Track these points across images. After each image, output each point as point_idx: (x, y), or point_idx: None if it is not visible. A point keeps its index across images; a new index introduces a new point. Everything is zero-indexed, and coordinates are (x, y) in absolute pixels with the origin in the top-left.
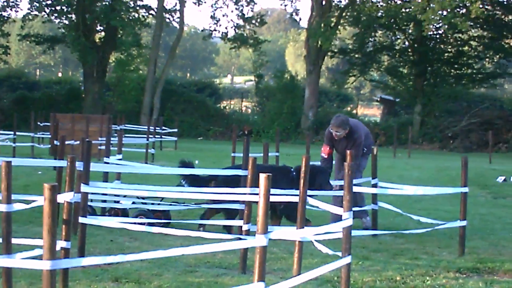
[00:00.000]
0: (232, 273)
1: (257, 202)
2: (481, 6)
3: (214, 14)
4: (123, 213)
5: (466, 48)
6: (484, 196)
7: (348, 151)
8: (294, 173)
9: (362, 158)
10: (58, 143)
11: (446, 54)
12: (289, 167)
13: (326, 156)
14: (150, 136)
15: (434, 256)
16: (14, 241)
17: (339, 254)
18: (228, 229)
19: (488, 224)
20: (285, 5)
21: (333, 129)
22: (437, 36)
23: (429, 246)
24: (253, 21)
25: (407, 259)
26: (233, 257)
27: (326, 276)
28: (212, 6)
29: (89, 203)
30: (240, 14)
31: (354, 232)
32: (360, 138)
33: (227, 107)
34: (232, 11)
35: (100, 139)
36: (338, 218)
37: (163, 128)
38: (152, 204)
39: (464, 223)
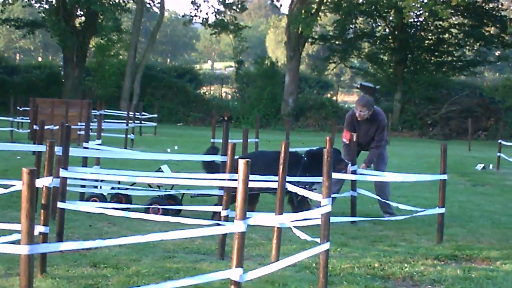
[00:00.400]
0: (210, 258)
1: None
2: None
3: None
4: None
5: (446, 35)
6: (463, 184)
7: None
8: (306, 159)
9: (383, 150)
10: (38, 128)
11: (426, 42)
12: (300, 153)
13: (347, 142)
14: (129, 121)
15: (413, 243)
16: None
17: (318, 240)
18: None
19: (466, 211)
20: None
21: (358, 108)
22: (418, 23)
23: (408, 233)
24: (234, 7)
25: (386, 246)
26: (212, 243)
27: (305, 262)
28: None
29: (98, 192)
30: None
31: (333, 219)
32: (384, 121)
33: (207, 93)
34: None
35: (79, 124)
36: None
37: (143, 113)
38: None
39: (442, 210)
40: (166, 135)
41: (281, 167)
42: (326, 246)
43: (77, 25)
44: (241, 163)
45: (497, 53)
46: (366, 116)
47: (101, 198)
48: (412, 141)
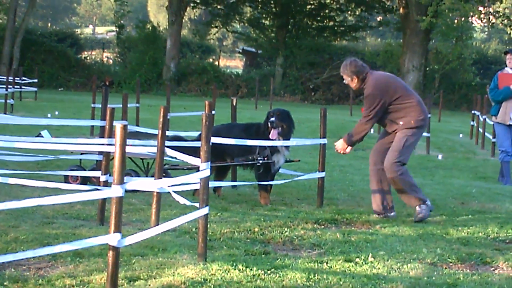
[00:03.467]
0: (90, 224)
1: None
2: None
3: None
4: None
5: (328, 0)
6: None
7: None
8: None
9: (405, 133)
10: None
11: (308, 7)
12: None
13: None
14: (9, 86)
15: (293, 208)
16: None
17: (197, 205)
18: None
19: (347, 175)
20: None
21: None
22: None
23: (288, 198)
24: None
25: (266, 211)
26: (92, 208)
27: (185, 228)
28: None
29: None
30: None
31: (212, 183)
32: (368, 90)
33: (88, 58)
34: None
35: None
36: None
37: (23, 78)
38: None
39: (323, 174)
40: (47, 100)
41: (160, 132)
42: (205, 210)
43: None
44: (118, 127)
45: (378, 19)
46: (354, 86)
47: None
48: (294, 106)
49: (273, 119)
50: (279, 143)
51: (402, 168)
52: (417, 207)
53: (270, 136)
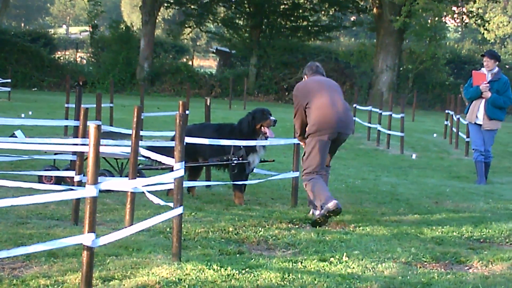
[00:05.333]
0: (64, 224)
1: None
2: None
3: None
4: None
5: (302, 0)
6: None
7: None
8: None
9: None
10: None
11: (282, 6)
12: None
13: None
14: None
15: (267, 207)
16: None
17: (171, 205)
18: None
19: None
20: None
21: None
22: None
23: (262, 197)
24: None
25: (240, 210)
26: (66, 208)
27: (159, 227)
28: None
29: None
30: None
31: (186, 183)
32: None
33: (61, 58)
34: None
35: None
36: None
37: None
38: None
39: (297, 174)
40: (20, 100)
41: (133, 132)
42: (179, 210)
43: None
44: (92, 127)
45: (352, 18)
46: None
47: None
48: (268, 106)
49: (274, 118)
50: (254, 142)
51: (307, 178)
52: (316, 210)
53: (269, 135)
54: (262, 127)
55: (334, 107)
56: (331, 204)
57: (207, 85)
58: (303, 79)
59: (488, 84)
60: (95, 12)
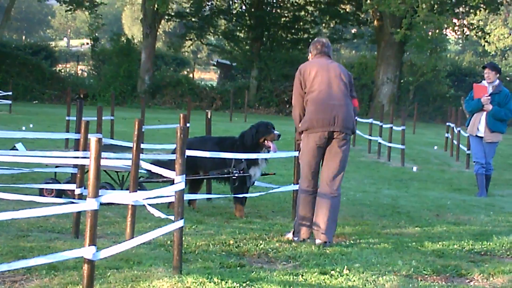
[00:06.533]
0: (65, 237)
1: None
2: None
3: None
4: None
5: (302, 13)
6: None
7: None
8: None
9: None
10: None
11: (282, 19)
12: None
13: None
14: None
15: (268, 220)
16: None
17: (172, 218)
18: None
19: None
20: None
21: None
22: (274, 0)
23: (263, 210)
24: None
25: (241, 223)
26: (66, 221)
27: (160, 240)
28: None
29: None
30: None
31: (187, 196)
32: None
33: (62, 71)
34: None
35: None
36: None
37: None
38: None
39: (297, 187)
40: (21, 113)
41: (134, 145)
42: (180, 223)
43: None
44: (93, 140)
45: (353, 31)
46: None
47: None
48: (269, 118)
49: (278, 132)
50: (255, 155)
51: (299, 190)
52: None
53: (272, 149)
54: (266, 141)
55: (330, 101)
56: (301, 235)
57: (208, 97)
58: (308, 58)
59: (489, 97)
60: (96, 25)
